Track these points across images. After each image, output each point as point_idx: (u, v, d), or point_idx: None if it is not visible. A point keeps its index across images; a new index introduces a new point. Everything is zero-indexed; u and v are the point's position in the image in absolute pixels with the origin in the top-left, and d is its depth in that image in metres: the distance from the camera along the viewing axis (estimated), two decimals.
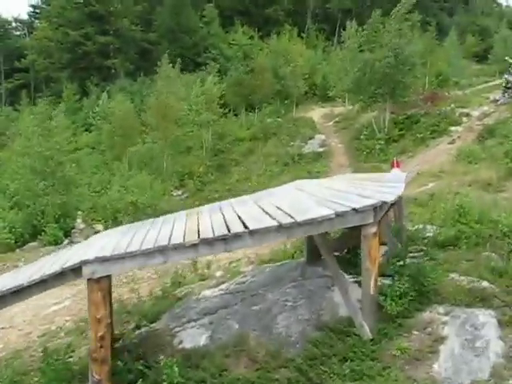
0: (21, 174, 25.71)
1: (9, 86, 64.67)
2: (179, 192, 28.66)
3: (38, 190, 24.32)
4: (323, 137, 32.81)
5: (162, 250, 7.63)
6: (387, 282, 8.96)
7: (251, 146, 33.45)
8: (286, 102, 40.12)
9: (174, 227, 8.62)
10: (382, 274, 9.67)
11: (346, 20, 40.45)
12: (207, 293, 10.87)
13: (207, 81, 35.35)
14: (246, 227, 7.63)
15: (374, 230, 7.88)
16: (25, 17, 76.83)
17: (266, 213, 8.33)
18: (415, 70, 29.76)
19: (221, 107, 38.93)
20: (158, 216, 24.72)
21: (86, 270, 7.51)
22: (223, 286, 10.95)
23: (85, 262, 7.49)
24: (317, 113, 40.29)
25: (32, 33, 67.50)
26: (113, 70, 57.47)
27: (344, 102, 35.18)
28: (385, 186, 9.31)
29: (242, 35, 53.71)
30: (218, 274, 13.41)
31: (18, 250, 24.52)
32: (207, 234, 7.74)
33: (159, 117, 29.71)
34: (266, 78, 38.73)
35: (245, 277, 11.00)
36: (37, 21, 70.42)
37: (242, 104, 38.56)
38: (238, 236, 7.58)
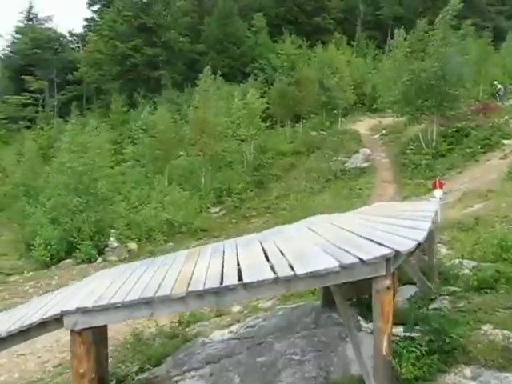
0: (58, 190, 25.71)
1: (62, 98, 65.94)
2: (216, 209, 28.02)
3: (73, 207, 24.18)
4: (368, 151, 31.52)
5: (147, 303, 6.91)
6: (407, 333, 7.90)
7: (293, 160, 32.51)
8: (334, 112, 38.96)
9: (169, 272, 7.87)
10: (402, 323, 8.66)
11: (398, 27, 38.98)
12: (216, 335, 10.07)
13: (249, 94, 34.55)
14: (240, 278, 6.79)
15: (386, 283, 6.84)
16: (80, 30, 78.77)
17: (268, 259, 7.46)
18: (464, 81, 28.12)
19: (264, 120, 38.24)
20: (194, 233, 24.36)
21: (67, 322, 6.92)
22: (234, 328, 10.13)
23: (66, 313, 6.89)
24: (364, 124, 38.95)
25: (85, 46, 68.88)
26: (161, 82, 57.60)
27: (393, 113, 33.81)
28: (408, 226, 8.24)
29: (290, 44, 52.83)
30: (236, 309, 12.57)
31: (53, 267, 24.48)
32: (198, 284, 6.93)
33: (197, 131, 29.22)
34: (311, 89, 37.73)
35: (257, 319, 10.13)
36: (90, 34, 71.85)
37: (287, 116, 37.64)
38: (230, 289, 6.75)
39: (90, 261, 24.01)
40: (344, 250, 7.12)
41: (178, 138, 31.65)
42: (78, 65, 65.39)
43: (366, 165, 29.61)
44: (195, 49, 59.95)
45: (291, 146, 34.38)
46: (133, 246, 24.41)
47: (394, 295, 7.36)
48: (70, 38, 77.65)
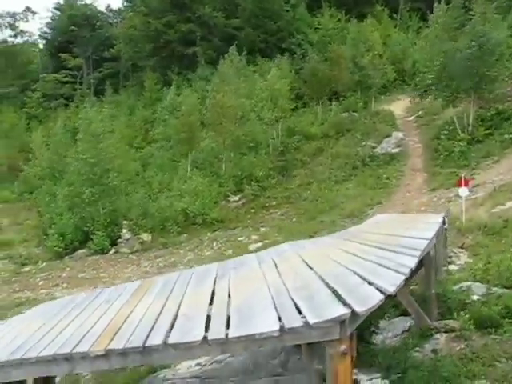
0: (73, 179, 25.13)
1: (99, 75, 65.55)
2: (236, 198, 26.81)
3: (85, 198, 23.56)
4: (401, 134, 29.57)
5: (67, 359, 5.97)
6: None
7: (321, 144, 30.76)
8: (369, 92, 36.77)
9: (103, 316, 6.87)
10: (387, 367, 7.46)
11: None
12: (184, 366, 9.05)
13: (270, 74, 32.80)
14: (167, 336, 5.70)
15: (341, 348, 5.59)
16: (118, 6, 78.11)
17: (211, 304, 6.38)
18: (504, 60, 25.76)
19: (297, 99, 36.60)
20: (210, 225, 23.35)
21: None
22: (203, 360, 9.07)
23: None
24: (401, 104, 36.67)
25: (122, 22, 68.21)
26: (195, 58, 56.23)
27: (427, 94, 31.57)
28: (388, 267, 6.90)
29: (329, 18, 50.44)
30: None
31: (66, 258, 24.07)
32: (121, 339, 5.89)
33: (216, 115, 27.95)
34: (344, 67, 35.70)
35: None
36: (128, 10, 71.01)
37: (319, 96, 35.74)
38: (154, 349, 5.67)
39: (102, 252, 23.45)
40: (295, 303, 5.90)
41: (202, 120, 30.25)
42: (114, 41, 64.77)
43: (396, 150, 27.76)
44: (230, 24, 58.03)
45: (320, 128, 32.56)
46: (146, 237, 23.66)
47: (352, 361, 6.11)
48: (107, 15, 77.03)
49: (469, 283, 10.22)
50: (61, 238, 23.93)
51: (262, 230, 22.44)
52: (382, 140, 29.14)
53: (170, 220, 23.83)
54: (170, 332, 5.77)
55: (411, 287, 10.17)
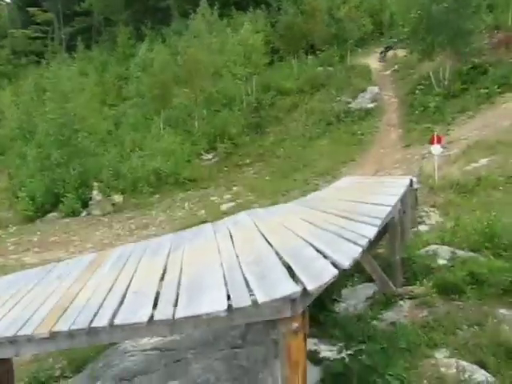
0: (41, 140, 24.44)
1: (70, 30, 63.42)
2: (209, 156, 26.39)
3: (53, 160, 22.98)
4: (376, 89, 29.14)
5: (11, 342, 5.70)
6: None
7: (296, 99, 30.24)
8: (345, 45, 35.94)
9: (52, 295, 6.56)
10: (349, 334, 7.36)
11: None
12: (142, 340, 8.86)
13: (243, 29, 31.89)
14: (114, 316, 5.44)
15: (292, 326, 5.40)
16: None
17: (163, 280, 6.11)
18: (480, 13, 25.26)
19: (272, 54, 35.79)
20: (182, 184, 22.99)
21: None
22: None
23: None
24: (377, 58, 36.16)
25: None
26: (170, 12, 54.64)
27: (403, 48, 30.98)
28: (348, 238, 6.67)
29: None
30: None
31: (37, 222, 23.62)
32: (68, 320, 5.60)
33: (188, 72, 27.17)
34: (320, 20, 34.85)
35: None
36: None
37: (294, 50, 34.98)
38: (100, 331, 5.42)
39: (74, 214, 23.05)
40: (246, 280, 5.66)
41: (175, 77, 29.39)
42: None
43: (371, 105, 27.39)
44: None
45: (296, 83, 31.94)
46: (118, 198, 23.25)
47: (305, 338, 5.94)
48: None
49: (436, 247, 10.07)
50: (31, 202, 23.42)
51: (235, 189, 22.17)
52: (357, 95, 28.73)
53: (141, 180, 23.40)
54: (117, 311, 5.51)
55: (378, 251, 10.03)
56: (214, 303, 5.20)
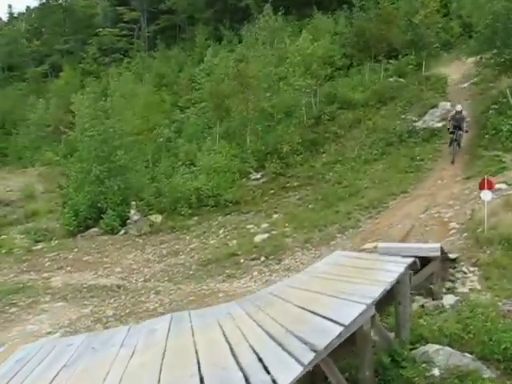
0: (84, 155, 24.18)
1: (155, 28, 63.91)
2: (258, 175, 24.96)
3: (93, 176, 22.63)
4: (448, 105, 26.33)
5: None
6: None
7: (360, 114, 28.08)
8: (422, 53, 32.78)
9: None
10: None
11: None
12: None
13: (301, 37, 29.96)
14: None
15: None
16: None
17: None
18: None
19: (343, 59, 33.75)
20: (223, 207, 21.92)
21: None
22: None
23: None
24: (461, 67, 32.85)
25: None
26: (250, 11, 53.43)
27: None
28: (303, 342, 5.21)
29: None
30: None
31: (78, 237, 23.45)
32: None
33: (240, 85, 25.87)
34: (395, 26, 32.30)
35: None
36: None
37: (364, 58, 32.72)
38: None
39: (112, 232, 22.60)
40: None
41: (230, 88, 28.13)
42: None
43: (439, 125, 24.72)
44: None
45: (363, 95, 29.74)
46: (156, 218, 22.52)
47: None
48: None
49: (436, 347, 8.18)
50: (73, 217, 23.22)
51: (275, 217, 20.72)
52: (426, 111, 26.15)
53: (182, 200, 22.49)
54: None
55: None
56: None
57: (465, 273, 12.83)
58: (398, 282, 8.04)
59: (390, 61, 33.14)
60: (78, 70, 57.66)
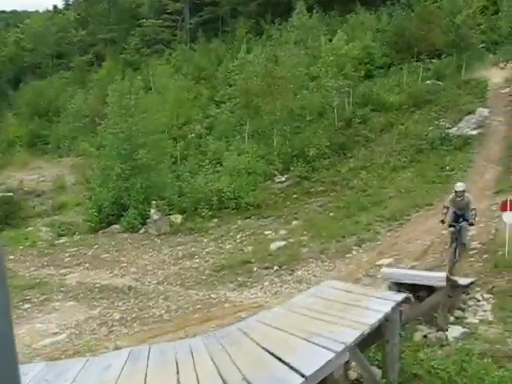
0: (108, 152, 24.17)
1: (198, 20, 63.69)
2: (283, 178, 24.42)
3: (114, 174, 22.60)
4: (486, 112, 25.29)
5: None
6: None
7: (393, 118, 27.20)
8: (463, 55, 31.41)
9: None
10: None
11: None
12: None
13: (335, 37, 29.03)
14: None
15: None
16: None
17: None
18: None
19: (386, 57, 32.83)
20: (244, 210, 21.61)
21: None
22: None
23: None
24: (505, 70, 31.49)
25: None
26: (292, 5, 52.51)
27: None
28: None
29: None
30: None
31: (99, 233, 23.56)
32: None
33: (268, 86, 25.32)
34: (436, 26, 31.07)
35: None
36: None
37: (402, 59, 31.64)
38: None
39: (133, 230, 22.58)
40: None
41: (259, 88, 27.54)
42: None
43: (474, 133, 23.75)
44: None
45: (399, 97, 28.75)
46: (176, 219, 22.33)
47: None
48: None
49: None
50: (96, 213, 23.28)
51: (294, 223, 20.25)
52: (461, 118, 25.14)
53: (202, 201, 22.23)
54: None
55: None
56: None
57: (478, 300, 12.13)
58: (387, 319, 7.55)
59: (433, 60, 31.88)
60: (119, 61, 58.07)
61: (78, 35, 71.83)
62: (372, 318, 7.10)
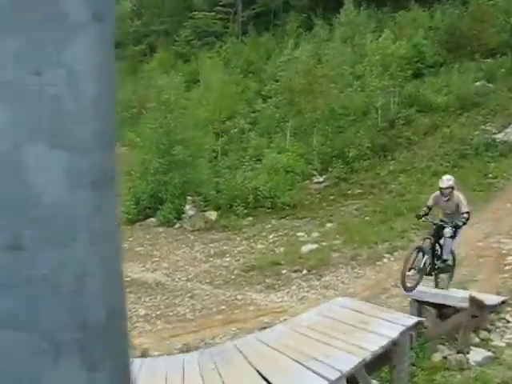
0: (147, 146, 24.46)
1: (250, 13, 63.32)
2: (321, 178, 24.08)
3: (152, 168, 22.88)
4: None
5: None
6: None
7: (438, 120, 26.37)
8: None
9: None
10: None
11: None
12: None
13: (382, 36, 28.23)
14: None
15: None
16: None
17: None
18: None
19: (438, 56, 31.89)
20: (279, 209, 21.49)
21: None
22: None
23: None
24: None
25: None
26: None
27: None
28: None
29: None
30: None
31: (136, 225, 23.89)
32: None
33: (309, 84, 24.95)
34: (489, 25, 29.95)
35: None
36: None
37: (453, 58, 30.63)
38: None
39: (168, 224, 22.79)
40: None
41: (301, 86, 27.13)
42: None
43: None
44: None
45: (446, 98, 27.87)
46: (211, 215, 22.40)
47: None
48: None
49: None
50: (134, 206, 23.58)
51: (328, 226, 19.98)
52: (510, 123, 24.17)
53: (238, 199, 22.21)
54: None
55: None
56: None
57: (508, 321, 11.69)
58: (395, 343, 7.32)
59: (486, 60, 30.72)
60: (170, 52, 58.51)
61: (133, 25, 72.68)
62: (376, 344, 6.90)
